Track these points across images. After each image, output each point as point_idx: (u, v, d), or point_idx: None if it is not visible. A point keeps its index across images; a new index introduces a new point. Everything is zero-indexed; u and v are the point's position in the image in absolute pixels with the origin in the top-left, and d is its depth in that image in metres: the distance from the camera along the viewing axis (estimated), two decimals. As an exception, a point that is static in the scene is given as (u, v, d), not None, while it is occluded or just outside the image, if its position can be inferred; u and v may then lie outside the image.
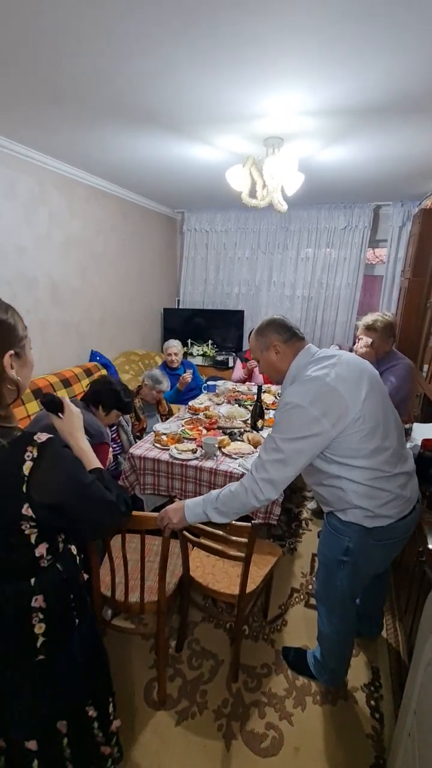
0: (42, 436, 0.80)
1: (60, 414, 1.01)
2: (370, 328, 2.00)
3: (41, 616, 0.88)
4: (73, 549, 1.01)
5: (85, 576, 1.04)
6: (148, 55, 1.54)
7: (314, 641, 1.80)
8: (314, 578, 1.52)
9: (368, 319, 2.02)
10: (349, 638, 1.52)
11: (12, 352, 0.79)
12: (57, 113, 2.07)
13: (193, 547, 1.63)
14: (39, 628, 0.88)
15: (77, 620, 0.97)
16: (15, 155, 2.59)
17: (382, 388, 1.31)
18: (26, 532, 0.80)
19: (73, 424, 1.02)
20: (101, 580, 1.53)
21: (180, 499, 1.47)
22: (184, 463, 1.99)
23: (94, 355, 3.43)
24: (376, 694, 1.59)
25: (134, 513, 1.31)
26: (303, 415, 1.16)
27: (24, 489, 0.76)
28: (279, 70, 1.61)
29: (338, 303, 4.29)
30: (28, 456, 0.77)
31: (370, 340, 2.01)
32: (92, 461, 0.99)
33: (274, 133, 2.22)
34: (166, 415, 2.91)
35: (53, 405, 1.03)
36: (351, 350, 2.01)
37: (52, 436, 0.83)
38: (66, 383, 2.85)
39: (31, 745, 0.93)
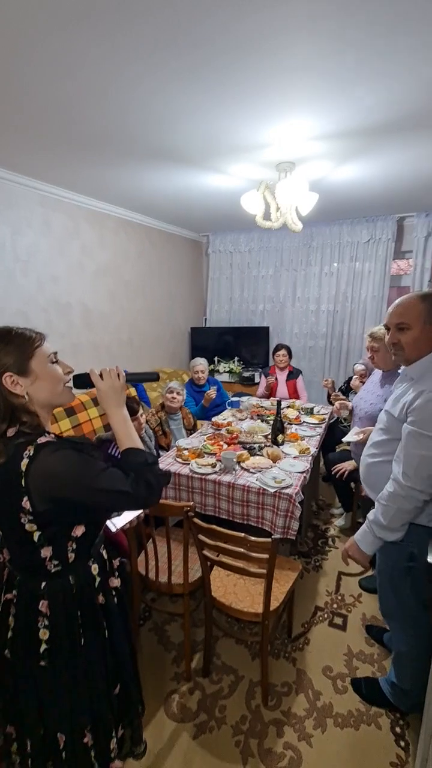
0: (42, 439, 0.88)
1: (92, 387, 1.02)
2: (373, 336, 2.04)
3: (46, 622, 0.94)
4: (94, 569, 1.01)
5: (101, 599, 1.03)
6: (165, 103, 1.70)
7: (338, 661, 1.77)
8: (378, 597, 1.46)
9: (374, 327, 2.06)
10: (427, 654, 1.40)
11: (9, 373, 0.87)
12: (87, 157, 2.29)
13: (211, 566, 1.65)
14: (43, 634, 0.93)
15: (83, 640, 0.97)
16: (50, 195, 2.85)
17: None
18: (26, 527, 0.87)
19: (103, 396, 1.01)
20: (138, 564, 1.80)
21: (202, 512, 1.51)
22: (203, 477, 2.05)
23: (123, 375, 3.61)
24: (401, 722, 1.52)
25: (160, 502, 1.52)
26: None
27: (23, 483, 0.84)
28: (285, 101, 1.71)
29: (365, 315, 4.25)
30: (26, 455, 0.85)
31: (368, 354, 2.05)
32: (125, 439, 0.98)
33: (285, 158, 2.31)
34: (191, 430, 2.99)
35: (81, 381, 1.02)
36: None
37: (52, 440, 0.89)
38: (95, 401, 3.01)
39: (29, 743, 0.96)
